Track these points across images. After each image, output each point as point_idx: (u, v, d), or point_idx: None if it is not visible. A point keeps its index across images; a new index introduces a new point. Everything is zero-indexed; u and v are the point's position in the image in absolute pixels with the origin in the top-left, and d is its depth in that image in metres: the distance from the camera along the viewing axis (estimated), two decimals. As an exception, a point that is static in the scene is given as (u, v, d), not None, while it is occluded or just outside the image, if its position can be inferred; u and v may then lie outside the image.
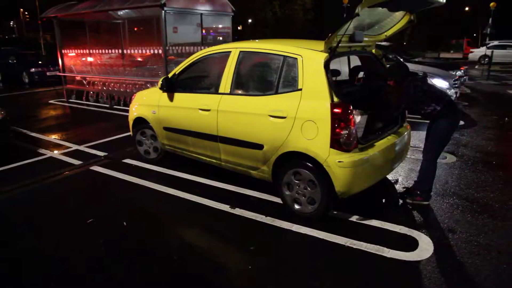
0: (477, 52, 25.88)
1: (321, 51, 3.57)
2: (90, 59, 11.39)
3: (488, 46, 23.94)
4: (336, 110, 3.34)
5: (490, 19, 25.82)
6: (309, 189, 3.66)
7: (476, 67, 22.82)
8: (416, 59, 10.68)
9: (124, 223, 3.81)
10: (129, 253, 3.33)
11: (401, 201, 4.19)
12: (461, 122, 7.64)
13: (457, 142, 6.35)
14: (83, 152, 6.17)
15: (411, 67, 8.97)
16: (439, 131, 3.89)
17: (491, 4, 25.75)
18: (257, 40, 4.58)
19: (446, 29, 36.20)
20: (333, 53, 3.50)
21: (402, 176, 4.88)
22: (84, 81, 11.14)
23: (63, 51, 11.29)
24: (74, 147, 6.46)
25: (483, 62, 23.71)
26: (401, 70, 3.90)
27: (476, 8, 35.30)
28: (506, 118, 8.22)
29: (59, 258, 3.28)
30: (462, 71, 10.06)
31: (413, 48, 34.12)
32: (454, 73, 9.23)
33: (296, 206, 3.81)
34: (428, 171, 4.01)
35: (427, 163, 4.00)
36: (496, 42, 24.40)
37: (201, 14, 9.71)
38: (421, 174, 4.06)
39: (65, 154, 6.08)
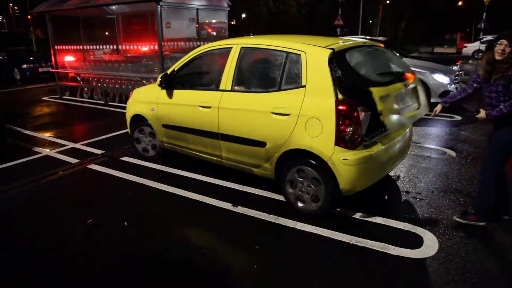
0: (470, 47, 26.02)
1: (325, 47, 3.53)
2: (83, 54, 11.25)
3: (481, 41, 24.05)
4: (341, 107, 3.31)
5: (484, 14, 25.95)
6: (313, 186, 3.63)
7: (470, 61, 22.94)
8: (413, 54, 10.68)
9: (125, 223, 3.75)
10: (131, 253, 3.28)
11: (403, 198, 4.18)
12: (459, 117, 7.67)
13: (456, 138, 6.36)
14: (79, 150, 6.08)
15: (409, 62, 9.02)
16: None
17: (485, -1, 25.85)
18: (258, 36, 4.52)
19: (439, 24, 36.35)
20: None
21: (403, 172, 4.87)
22: (78, 78, 11.00)
23: (56, 47, 11.12)
24: (70, 145, 6.37)
25: (477, 56, 23.82)
26: None
27: (470, 3, 35.46)
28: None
29: (59, 259, 3.22)
30: (458, 66, 10.07)
31: (407, 43, 34.24)
32: (453, 68, 9.22)
33: (300, 204, 3.78)
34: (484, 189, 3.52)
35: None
36: (489, 37, 24.48)
37: (197, 9, 9.62)
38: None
39: (61, 152, 5.99)
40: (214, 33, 11.21)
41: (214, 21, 11.10)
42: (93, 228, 3.70)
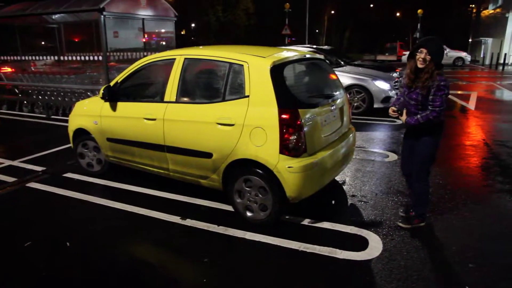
0: (407, 55, 27.65)
1: (267, 57, 3.59)
2: (21, 66, 10.63)
3: (418, 49, 25.66)
4: (284, 116, 3.37)
5: (419, 24, 27.93)
6: (260, 195, 3.65)
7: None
8: (356, 62, 11.15)
9: (68, 243, 3.56)
10: (74, 276, 3.11)
11: (349, 202, 4.32)
12: (399, 121, 8.07)
13: (397, 141, 6.69)
14: (17, 168, 5.71)
15: (352, 70, 9.42)
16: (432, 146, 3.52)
17: (419, 11, 28.00)
18: (202, 47, 4.52)
19: (380, 33, 38.45)
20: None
21: (349, 176, 5.04)
22: (16, 90, 10.36)
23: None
24: (7, 162, 5.96)
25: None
26: (442, 50, 3.34)
27: (406, 14, 37.88)
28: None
29: (-7, 288, 2.99)
30: (397, 72, 10.61)
31: (352, 51, 35.84)
32: (392, 74, 9.70)
33: (248, 214, 3.79)
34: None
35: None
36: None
37: (143, 19, 9.45)
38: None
39: (-4, 170, 5.60)
40: (164, 43, 11.06)
41: (162, 30, 10.95)
42: (31, 251, 3.48)
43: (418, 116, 3.36)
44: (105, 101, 4.64)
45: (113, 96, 4.58)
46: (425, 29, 27.32)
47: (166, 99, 4.10)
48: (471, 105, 10.56)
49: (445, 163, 5.57)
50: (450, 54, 27.55)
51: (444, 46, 26.69)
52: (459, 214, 3.99)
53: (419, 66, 3.31)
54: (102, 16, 8.00)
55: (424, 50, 3.26)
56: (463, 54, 28.64)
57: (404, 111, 3.58)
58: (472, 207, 4.16)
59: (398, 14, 40.09)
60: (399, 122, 8.07)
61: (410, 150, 3.65)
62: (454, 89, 13.78)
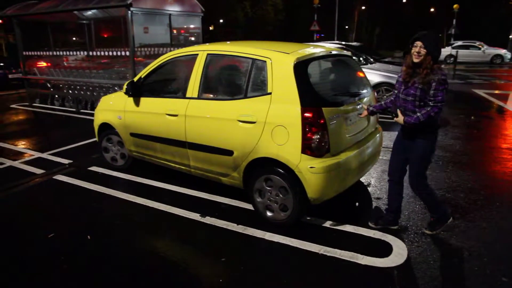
0: (442, 52, 26.68)
1: (290, 53, 3.48)
2: (53, 61, 10.93)
3: (453, 46, 24.76)
4: (306, 114, 3.26)
5: (454, 20, 26.89)
6: (281, 195, 3.56)
7: (442, 66, 23.46)
8: (386, 59, 10.83)
9: (89, 237, 3.59)
10: (94, 269, 3.13)
11: (374, 205, 4.16)
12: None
13: (427, 142, 6.41)
14: (46, 160, 5.86)
15: (382, 67, 9.13)
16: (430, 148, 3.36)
17: (455, 6, 26.89)
18: (226, 42, 4.45)
19: (412, 30, 37.30)
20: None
21: (375, 178, 4.87)
22: (48, 84, 10.67)
23: (25, 53, 10.76)
24: (37, 154, 6.13)
25: (448, 61, 24.45)
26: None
27: (441, 9, 36.56)
28: (472, 117, 8.42)
29: (14, 277, 3.04)
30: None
31: (382, 47, 34.97)
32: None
33: (269, 213, 3.71)
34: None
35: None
36: (460, 42, 25.30)
37: (170, 14, 9.49)
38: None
39: (26, 162, 5.76)
40: (193, 38, 11.09)
41: (191, 26, 10.99)
42: (53, 242, 3.53)
43: (418, 114, 3.12)
44: (129, 96, 4.66)
45: (136, 91, 4.59)
46: (462, 25, 26.28)
47: (188, 95, 4.06)
48: (510, 105, 10.04)
49: (479, 167, 5.29)
50: (488, 51, 26.25)
51: (481, 43, 25.64)
52: (493, 222, 3.76)
53: (414, 60, 3.11)
54: (130, 12, 8.09)
55: (419, 44, 3.07)
56: (502, 51, 27.21)
57: (399, 112, 3.35)
58: (507, 215, 3.91)
59: (432, 9, 38.75)
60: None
61: (403, 154, 3.44)
62: (491, 88, 13.18)
